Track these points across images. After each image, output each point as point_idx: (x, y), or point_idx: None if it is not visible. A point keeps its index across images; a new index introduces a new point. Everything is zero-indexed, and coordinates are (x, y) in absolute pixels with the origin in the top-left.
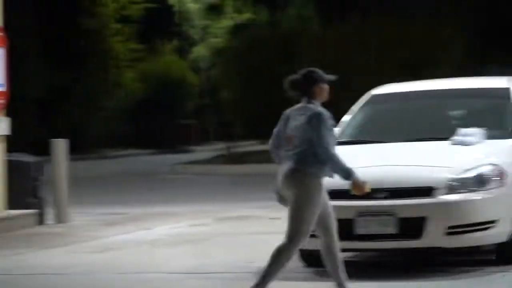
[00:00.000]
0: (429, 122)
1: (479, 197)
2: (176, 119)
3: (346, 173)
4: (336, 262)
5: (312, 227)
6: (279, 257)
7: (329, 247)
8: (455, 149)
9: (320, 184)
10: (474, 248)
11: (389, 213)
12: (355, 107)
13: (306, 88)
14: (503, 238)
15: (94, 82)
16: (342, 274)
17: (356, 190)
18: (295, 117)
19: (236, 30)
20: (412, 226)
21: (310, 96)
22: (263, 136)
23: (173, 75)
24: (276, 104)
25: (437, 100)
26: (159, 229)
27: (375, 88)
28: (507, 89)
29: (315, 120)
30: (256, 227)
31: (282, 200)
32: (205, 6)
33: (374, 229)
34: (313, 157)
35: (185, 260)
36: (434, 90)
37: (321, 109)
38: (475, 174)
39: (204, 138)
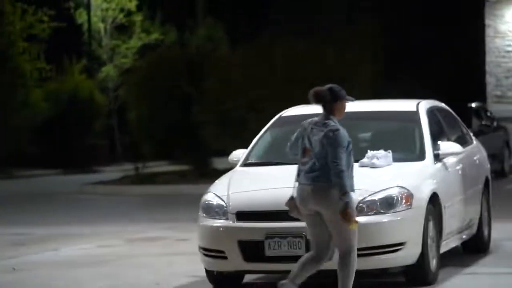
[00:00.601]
0: None
1: (387, 220)
2: (84, 139)
3: (343, 191)
4: (309, 272)
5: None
6: (346, 269)
7: (317, 259)
8: (363, 171)
9: None
10: (383, 270)
11: (299, 235)
12: (264, 129)
13: (329, 102)
14: (411, 260)
15: (1, 101)
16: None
17: (343, 217)
18: (314, 131)
19: (145, 50)
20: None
21: (330, 111)
22: (171, 156)
23: (81, 94)
24: (184, 124)
25: (346, 122)
26: (67, 250)
27: (284, 110)
28: (416, 112)
29: (331, 135)
30: (163, 249)
31: (295, 213)
32: (113, 26)
33: (283, 251)
34: (329, 172)
35: (93, 281)
36: None
37: (339, 126)
38: (383, 197)
39: (112, 158)
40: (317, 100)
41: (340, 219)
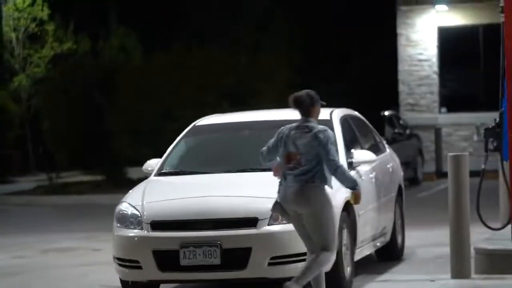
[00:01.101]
0: (252, 153)
1: None
2: None
3: (353, 183)
4: (321, 275)
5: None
6: (313, 263)
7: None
8: (277, 180)
9: (329, 196)
10: None
11: (214, 244)
12: (178, 138)
13: (308, 106)
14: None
15: None
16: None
17: (355, 200)
18: (297, 135)
19: (58, 59)
20: (236, 256)
21: (309, 115)
22: (85, 166)
23: None
24: (97, 133)
25: (260, 131)
26: None
27: (198, 119)
28: (329, 120)
29: (322, 136)
30: (78, 259)
31: (284, 214)
32: (25, 35)
33: (198, 260)
34: (321, 172)
35: None
36: (256, 121)
37: (324, 126)
38: None
39: (25, 168)
40: (297, 104)
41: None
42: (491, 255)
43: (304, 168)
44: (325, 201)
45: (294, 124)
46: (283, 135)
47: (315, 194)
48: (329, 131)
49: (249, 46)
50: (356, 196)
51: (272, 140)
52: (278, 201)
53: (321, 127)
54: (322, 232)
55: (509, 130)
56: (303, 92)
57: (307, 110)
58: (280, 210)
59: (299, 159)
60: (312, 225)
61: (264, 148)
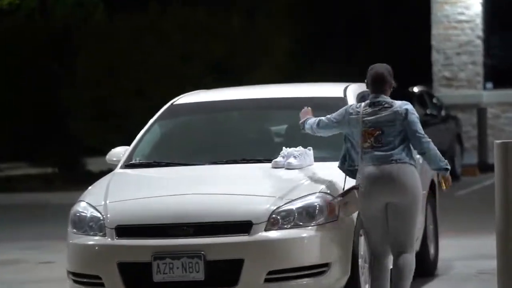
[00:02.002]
0: (245, 140)
1: (306, 234)
2: None
3: (446, 162)
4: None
5: None
6: (404, 270)
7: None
8: (277, 173)
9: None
10: None
11: (196, 255)
12: (151, 121)
13: (387, 84)
14: (338, 286)
15: None
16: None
17: (446, 183)
18: (376, 111)
19: None
20: (224, 271)
21: (384, 92)
22: (33, 156)
23: None
24: (49, 114)
25: (256, 112)
26: None
27: (176, 97)
28: (343, 98)
29: (407, 111)
30: (24, 274)
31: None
32: None
33: (176, 275)
34: (408, 149)
35: None
36: (252, 99)
37: (405, 101)
38: (301, 206)
39: None
40: (378, 82)
41: (440, 185)
42: None
43: (387, 147)
44: (420, 191)
45: (363, 102)
46: (352, 111)
47: (415, 178)
48: (411, 105)
49: (244, 9)
50: (446, 179)
51: (334, 115)
52: (359, 185)
53: (401, 101)
54: (412, 229)
55: None
56: (383, 68)
57: (384, 88)
58: (353, 199)
59: (377, 136)
60: (402, 220)
61: (323, 118)
